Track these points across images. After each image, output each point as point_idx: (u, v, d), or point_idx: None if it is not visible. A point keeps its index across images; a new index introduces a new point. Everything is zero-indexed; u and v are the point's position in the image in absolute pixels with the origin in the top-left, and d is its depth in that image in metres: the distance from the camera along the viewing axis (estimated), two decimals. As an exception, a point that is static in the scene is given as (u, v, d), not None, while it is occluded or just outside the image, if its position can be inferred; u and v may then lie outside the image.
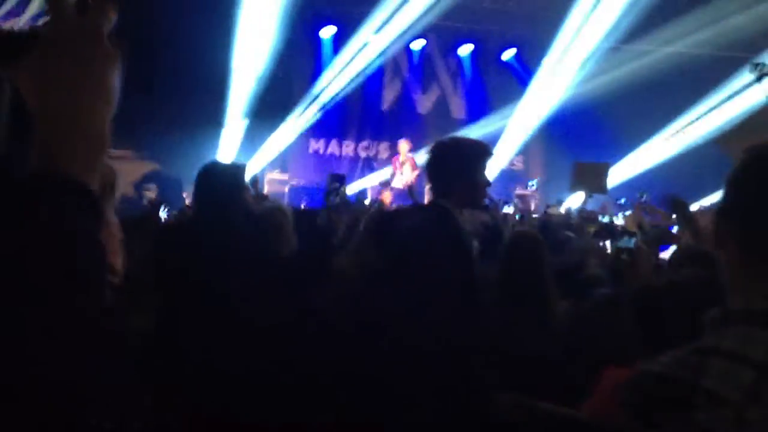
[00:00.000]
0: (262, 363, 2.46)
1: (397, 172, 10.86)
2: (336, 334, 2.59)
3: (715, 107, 12.67)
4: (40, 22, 0.70)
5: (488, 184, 2.89)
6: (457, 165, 2.79)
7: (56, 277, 0.61)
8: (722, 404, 1.06)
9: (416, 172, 10.50)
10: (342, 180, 9.48)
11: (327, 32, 12.96)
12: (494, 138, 12.92)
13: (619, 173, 12.39)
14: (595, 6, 12.32)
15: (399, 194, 9.86)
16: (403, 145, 10.99)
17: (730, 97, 12.38)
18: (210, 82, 11.08)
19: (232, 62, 11.59)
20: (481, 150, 2.88)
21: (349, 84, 13.06)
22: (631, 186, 11.75)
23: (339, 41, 12.97)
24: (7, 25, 0.61)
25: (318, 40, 13.07)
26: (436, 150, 2.88)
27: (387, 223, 3.17)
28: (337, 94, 13.01)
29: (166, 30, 10.38)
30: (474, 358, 2.61)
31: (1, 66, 0.67)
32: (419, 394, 2.40)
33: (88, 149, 0.68)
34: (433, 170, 2.87)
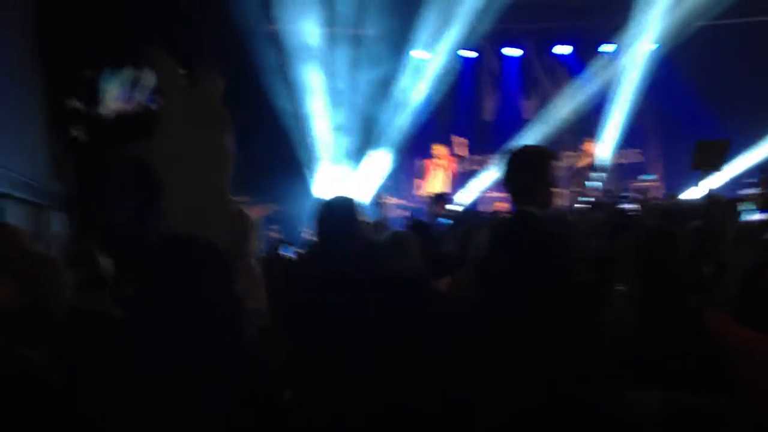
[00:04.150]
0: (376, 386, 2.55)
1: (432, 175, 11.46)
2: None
3: None
4: (156, 99, 0.78)
5: (556, 185, 3.07)
6: (535, 172, 2.95)
7: (194, 335, 0.67)
8: None
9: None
10: (445, 199, 9.47)
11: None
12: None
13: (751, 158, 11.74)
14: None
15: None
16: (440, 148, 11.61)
17: None
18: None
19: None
20: (552, 155, 3.09)
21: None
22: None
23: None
24: (123, 106, 0.69)
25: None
26: (514, 159, 3.03)
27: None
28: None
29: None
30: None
31: (128, 143, 0.76)
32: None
33: (213, 209, 0.75)
34: (512, 179, 3.01)
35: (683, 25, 12.16)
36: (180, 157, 0.74)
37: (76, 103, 0.76)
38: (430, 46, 12.48)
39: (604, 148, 12.93)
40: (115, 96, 0.78)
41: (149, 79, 0.79)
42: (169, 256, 0.72)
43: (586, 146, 11.72)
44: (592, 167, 11.49)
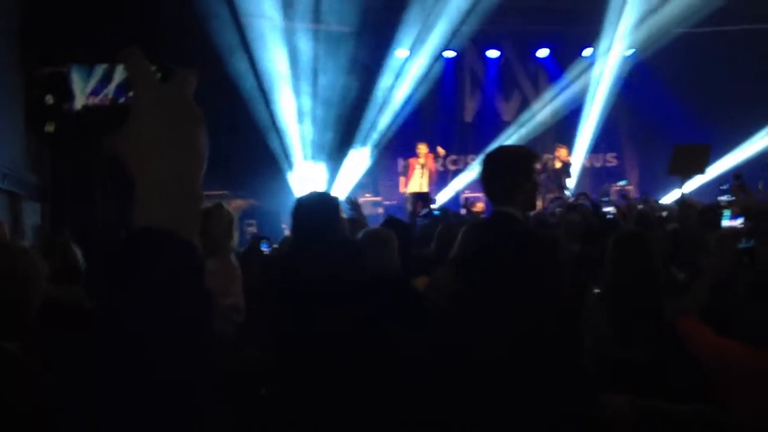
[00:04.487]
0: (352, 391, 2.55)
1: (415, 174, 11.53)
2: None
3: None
4: (129, 94, 0.78)
5: (537, 186, 3.03)
6: (513, 172, 2.90)
7: (164, 331, 0.67)
8: None
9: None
10: (425, 198, 9.49)
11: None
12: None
13: (725, 162, 11.92)
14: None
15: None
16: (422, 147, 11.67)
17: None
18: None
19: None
20: (531, 155, 3.03)
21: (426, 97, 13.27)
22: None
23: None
24: (95, 101, 0.69)
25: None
26: (492, 160, 2.99)
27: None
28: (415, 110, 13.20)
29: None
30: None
31: (100, 137, 0.76)
32: None
33: (185, 205, 0.75)
34: (490, 179, 2.96)
35: (661, 31, 12.30)
36: (153, 152, 0.75)
37: (50, 99, 0.76)
38: (412, 45, 12.48)
39: (578, 151, 13.06)
40: (87, 91, 0.78)
41: (122, 74, 0.79)
42: (141, 251, 0.72)
43: (559, 150, 11.75)
44: (565, 171, 11.57)
